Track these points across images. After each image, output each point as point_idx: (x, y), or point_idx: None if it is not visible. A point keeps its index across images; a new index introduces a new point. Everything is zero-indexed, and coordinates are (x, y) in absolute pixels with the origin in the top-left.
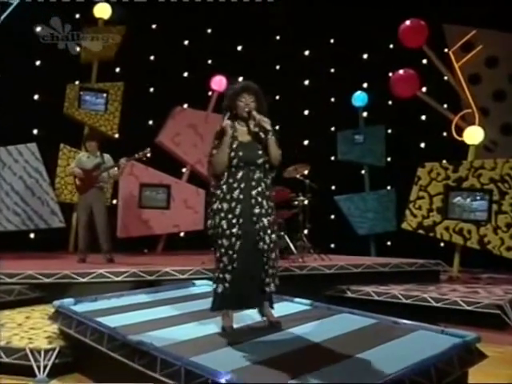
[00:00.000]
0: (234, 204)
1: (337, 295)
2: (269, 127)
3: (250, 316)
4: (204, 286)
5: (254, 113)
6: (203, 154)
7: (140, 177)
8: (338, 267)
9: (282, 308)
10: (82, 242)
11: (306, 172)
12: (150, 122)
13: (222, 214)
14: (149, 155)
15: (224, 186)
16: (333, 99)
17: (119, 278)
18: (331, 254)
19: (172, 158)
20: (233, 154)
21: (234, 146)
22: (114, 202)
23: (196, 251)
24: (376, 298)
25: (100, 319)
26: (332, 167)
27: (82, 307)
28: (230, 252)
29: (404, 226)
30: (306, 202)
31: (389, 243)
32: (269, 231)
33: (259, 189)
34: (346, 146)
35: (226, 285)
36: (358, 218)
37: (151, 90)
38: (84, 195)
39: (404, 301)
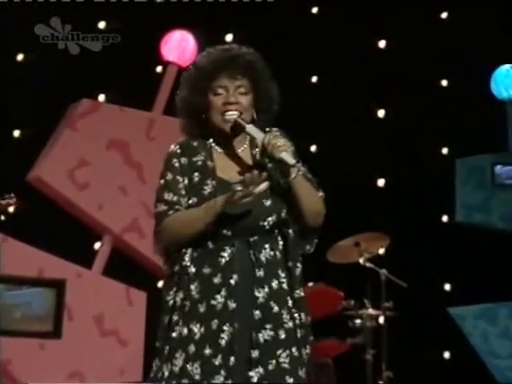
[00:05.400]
0: (215, 324)
1: None
2: (291, 159)
3: None
4: None
5: (249, 127)
6: (143, 208)
7: None
8: None
9: None
10: None
11: (380, 251)
12: (16, 134)
13: (192, 349)
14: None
15: (193, 286)
16: (444, 82)
17: None
18: None
19: (69, 217)
20: None
21: (208, 191)
22: None
23: None
24: None
25: None
26: (442, 241)
27: None
28: None
29: None
30: (380, 319)
31: None
32: (290, 380)
33: (273, 284)
34: (478, 193)
35: None
36: (509, 358)
37: (19, 57)
38: None
39: None
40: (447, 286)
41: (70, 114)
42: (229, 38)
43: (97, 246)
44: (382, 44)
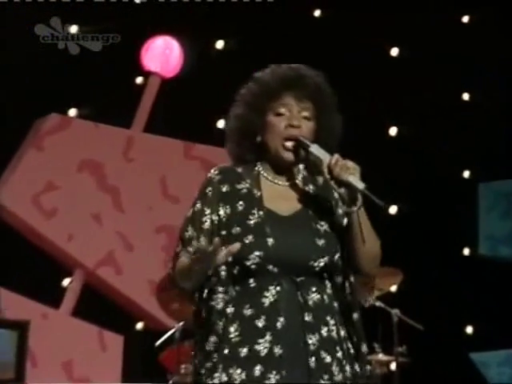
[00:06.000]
0: (259, 371)
1: None
2: (360, 184)
3: None
4: None
5: (314, 146)
6: (120, 239)
7: None
8: None
9: None
10: None
11: (392, 288)
12: None
13: None
14: None
15: (232, 328)
16: (466, 96)
17: None
18: None
19: (34, 249)
20: (251, 241)
21: (254, 221)
22: None
23: None
24: None
25: None
26: (463, 277)
27: None
28: None
29: None
30: (392, 365)
31: None
32: None
33: (323, 332)
34: (504, 222)
35: None
36: None
37: None
38: None
39: None
40: (469, 329)
41: (35, 130)
42: (219, 45)
43: (66, 282)
44: (394, 52)
